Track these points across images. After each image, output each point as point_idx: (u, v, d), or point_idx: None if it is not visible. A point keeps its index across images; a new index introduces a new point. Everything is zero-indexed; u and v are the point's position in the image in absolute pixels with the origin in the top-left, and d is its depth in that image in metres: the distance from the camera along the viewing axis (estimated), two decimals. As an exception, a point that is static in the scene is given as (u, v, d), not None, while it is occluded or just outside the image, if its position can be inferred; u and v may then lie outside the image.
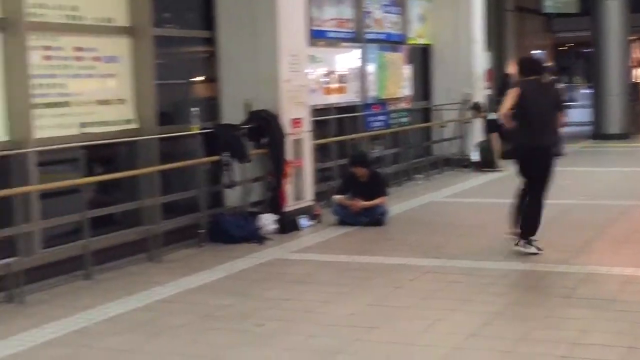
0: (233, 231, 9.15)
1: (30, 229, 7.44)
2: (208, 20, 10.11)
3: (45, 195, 7.83)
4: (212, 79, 10.24)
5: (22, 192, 7.28)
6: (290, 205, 9.93)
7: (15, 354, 5.60)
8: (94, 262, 7.82)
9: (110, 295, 7.07)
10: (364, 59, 13.54)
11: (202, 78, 10.51)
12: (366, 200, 10.03)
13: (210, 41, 10.14)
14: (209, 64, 10.25)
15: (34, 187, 7.49)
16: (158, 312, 6.57)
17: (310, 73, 11.18)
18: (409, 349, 5.53)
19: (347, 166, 10.82)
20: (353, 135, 12.64)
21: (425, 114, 15.88)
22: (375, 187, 10.20)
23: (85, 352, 5.64)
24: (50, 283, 7.47)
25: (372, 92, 13.80)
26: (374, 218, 9.98)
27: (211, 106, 10.15)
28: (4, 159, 7.53)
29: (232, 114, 9.92)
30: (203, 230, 9.13)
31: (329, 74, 12.58)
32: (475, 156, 15.18)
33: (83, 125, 8.23)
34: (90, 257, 7.77)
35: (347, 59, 13.18)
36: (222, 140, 9.39)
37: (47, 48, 8.00)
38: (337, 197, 10.24)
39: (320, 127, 11.62)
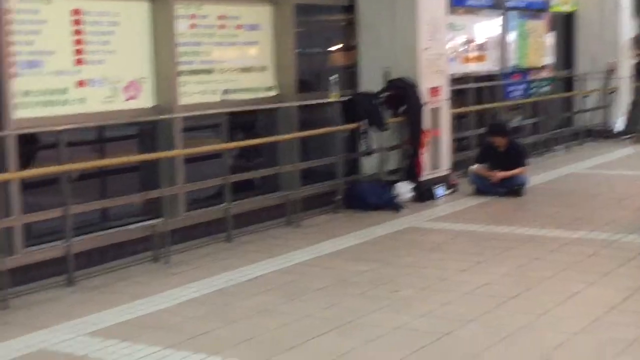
0: (369, 198, 9.23)
1: (175, 192, 7.72)
2: (347, -12, 10.16)
3: (188, 159, 8.11)
4: (350, 47, 10.29)
5: (168, 156, 7.56)
6: (426, 174, 9.91)
7: (162, 310, 5.86)
8: (234, 225, 8.05)
9: (250, 257, 7.28)
10: (505, 27, 13.28)
11: (341, 46, 10.57)
12: (504, 171, 9.90)
13: (350, 9, 10.18)
14: (348, 32, 10.30)
15: (180, 152, 7.76)
16: (296, 275, 6.73)
17: (449, 41, 11.06)
18: (545, 320, 5.47)
19: (485, 136, 10.70)
20: (492, 105, 12.46)
21: (568, 83, 15.45)
22: (514, 157, 10.05)
23: (227, 310, 5.84)
24: (193, 244, 7.75)
25: (512, 61, 13.53)
26: (512, 188, 9.85)
27: (349, 74, 10.21)
28: (151, 124, 7.84)
29: (370, 82, 9.96)
30: (340, 197, 9.25)
31: (468, 42, 12.42)
32: (619, 127, 14.71)
33: (225, 92, 8.45)
34: (231, 220, 8.00)
35: (487, 27, 12.96)
36: (360, 108, 9.45)
37: (193, 16, 8.25)
38: (475, 167, 10.16)
39: (458, 96, 11.51)
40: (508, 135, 10.29)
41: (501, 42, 13.20)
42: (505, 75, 13.28)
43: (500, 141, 10.09)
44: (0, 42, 6.41)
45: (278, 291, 6.28)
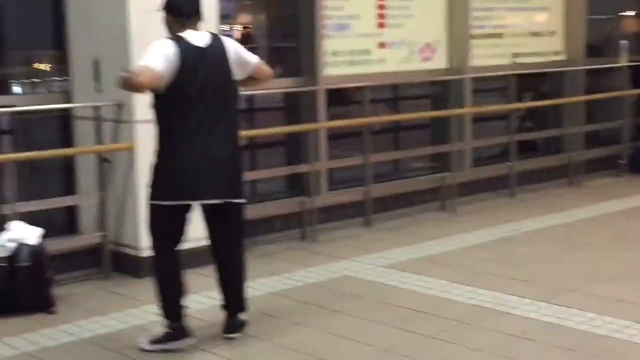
0: (656, 163, 9.27)
1: (463, 147, 8.25)
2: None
3: (476, 119, 8.60)
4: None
5: (458, 114, 8.09)
6: None
7: (450, 252, 6.46)
8: (517, 182, 8.46)
9: (531, 212, 7.68)
10: None
11: (633, 12, 10.53)
12: None
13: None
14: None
15: (469, 110, 8.28)
16: (576, 229, 7.06)
17: None
18: None
19: None
20: None
21: None
22: None
23: (510, 256, 6.32)
24: (477, 197, 8.26)
25: None
26: None
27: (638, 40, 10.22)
28: (444, 84, 8.41)
29: (662, 47, 9.90)
30: (624, 161, 9.34)
31: None
32: None
33: (515, 55, 8.83)
34: (514, 177, 8.42)
35: None
36: (649, 73, 9.46)
37: (488, -17, 8.70)
38: None
39: None
40: None
41: None
42: None
43: None
44: (315, 8, 7.24)
45: (558, 242, 6.66)
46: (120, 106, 5.87)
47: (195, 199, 4.48)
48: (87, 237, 6.09)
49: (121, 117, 5.90)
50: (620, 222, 7.25)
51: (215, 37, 4.54)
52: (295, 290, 5.59)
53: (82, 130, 6.17)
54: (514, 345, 4.53)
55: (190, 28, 4.50)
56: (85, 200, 6.14)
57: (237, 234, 4.68)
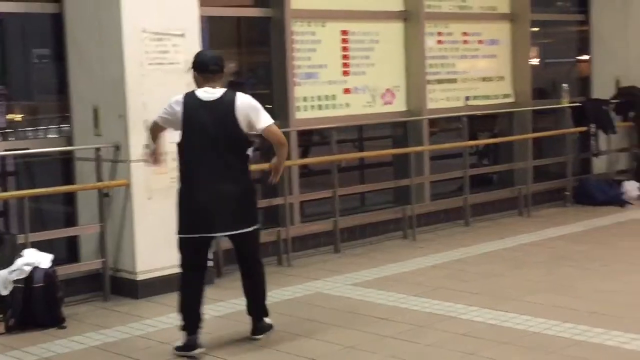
0: (596, 195, 10.19)
1: (422, 181, 9.14)
2: (581, 3, 11.19)
3: (434, 157, 9.52)
4: (583, 59, 11.30)
5: (417, 151, 8.99)
6: (654, 175, 10.70)
7: (409, 272, 7.31)
8: (472, 213, 9.35)
9: (483, 238, 8.58)
10: None
11: (574, 58, 11.57)
12: None
13: (583, 23, 11.20)
14: (581, 44, 11.33)
15: (426, 148, 9.19)
16: (521, 252, 7.95)
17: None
18: None
19: None
20: None
21: None
22: None
23: (461, 274, 7.18)
24: (435, 227, 9.14)
25: None
26: None
27: (582, 83, 11.23)
28: (403, 125, 9.33)
29: (602, 90, 10.93)
30: (568, 193, 10.28)
31: None
32: None
33: (467, 98, 9.78)
34: (469, 209, 9.31)
35: None
36: (589, 113, 10.44)
37: (440, 34, 9.65)
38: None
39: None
40: None
41: None
42: None
43: None
44: (286, 59, 8.14)
45: (504, 262, 7.55)
46: (117, 148, 6.69)
47: (208, 232, 5.30)
48: (89, 263, 6.87)
49: (118, 158, 6.71)
50: (561, 245, 8.16)
51: (228, 93, 5.26)
52: (273, 305, 6.36)
53: (83, 169, 6.97)
54: (459, 341, 5.40)
55: (212, 84, 5.29)
56: (87, 231, 6.92)
57: (255, 253, 5.51)
